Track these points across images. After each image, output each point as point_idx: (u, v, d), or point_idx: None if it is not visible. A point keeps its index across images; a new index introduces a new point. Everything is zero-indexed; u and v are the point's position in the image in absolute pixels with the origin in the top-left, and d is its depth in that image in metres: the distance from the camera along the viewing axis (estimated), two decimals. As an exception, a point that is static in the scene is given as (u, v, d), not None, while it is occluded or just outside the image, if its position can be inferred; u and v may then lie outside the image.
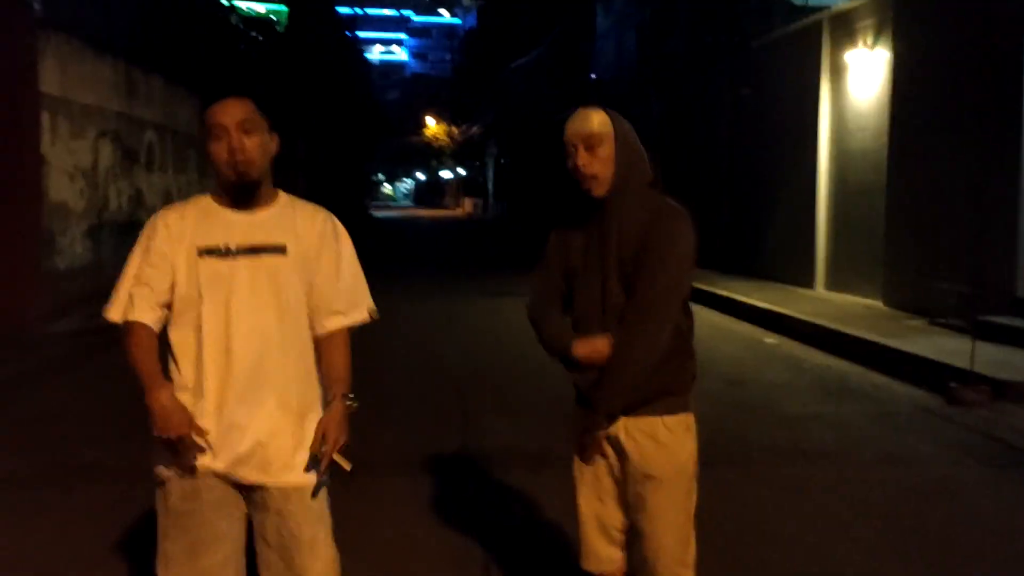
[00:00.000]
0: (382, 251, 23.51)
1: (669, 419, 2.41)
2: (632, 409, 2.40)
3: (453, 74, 60.92)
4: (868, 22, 10.78)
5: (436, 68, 78.71)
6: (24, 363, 7.63)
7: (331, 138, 34.56)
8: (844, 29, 11.33)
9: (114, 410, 6.10)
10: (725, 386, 6.74)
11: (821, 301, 10.75)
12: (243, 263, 2.27)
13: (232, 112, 2.24)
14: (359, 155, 44.30)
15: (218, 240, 2.27)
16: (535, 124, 33.63)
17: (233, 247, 2.27)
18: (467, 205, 55.37)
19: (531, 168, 35.53)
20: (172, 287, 2.28)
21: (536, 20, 35.48)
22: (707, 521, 2.68)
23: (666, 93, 18.57)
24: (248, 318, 2.26)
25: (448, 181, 66.49)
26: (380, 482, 4.45)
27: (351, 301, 2.38)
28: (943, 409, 6.08)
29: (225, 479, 2.28)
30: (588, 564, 2.57)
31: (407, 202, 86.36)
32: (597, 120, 2.42)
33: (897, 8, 10.13)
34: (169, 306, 2.29)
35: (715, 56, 15.72)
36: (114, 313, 2.29)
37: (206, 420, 2.25)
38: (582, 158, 2.40)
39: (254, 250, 2.28)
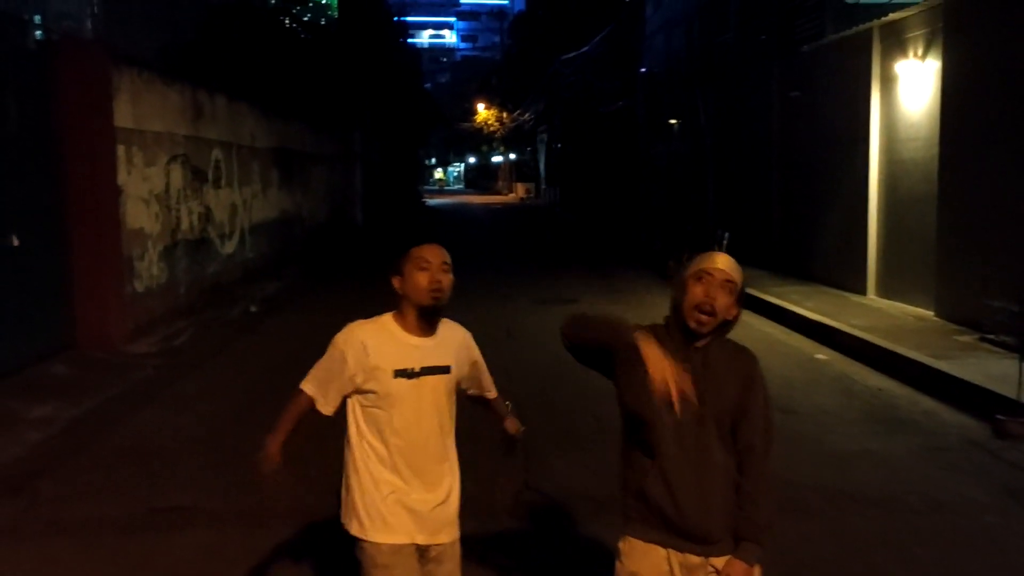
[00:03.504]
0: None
1: None
2: (726, 549, 2.60)
3: (503, 59, 61.04)
4: (918, 33, 10.81)
5: (486, 51, 78.92)
6: (110, 389, 8.10)
7: (385, 128, 34.99)
8: (894, 39, 11.36)
9: (199, 444, 6.52)
10: (777, 414, 6.92)
11: (872, 310, 10.87)
12: (424, 381, 2.96)
13: (438, 253, 2.94)
14: (412, 143, 44.75)
15: (407, 363, 2.93)
16: (586, 114, 33.69)
17: (417, 368, 2.93)
18: (519, 190, 55.67)
19: (583, 158, 35.63)
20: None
21: (584, 3, 35.47)
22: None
23: (714, 91, 18.60)
24: (428, 421, 3.00)
25: (499, 165, 66.73)
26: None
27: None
28: (990, 442, 6.26)
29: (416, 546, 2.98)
30: None
31: (458, 185, 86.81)
32: (737, 270, 2.61)
33: (947, 19, 10.15)
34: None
35: (765, 57, 15.76)
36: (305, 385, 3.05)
37: (402, 496, 2.95)
38: (715, 292, 2.55)
39: (432, 370, 2.96)
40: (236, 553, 4.62)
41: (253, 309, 12.50)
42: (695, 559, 2.60)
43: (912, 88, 11.02)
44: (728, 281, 2.58)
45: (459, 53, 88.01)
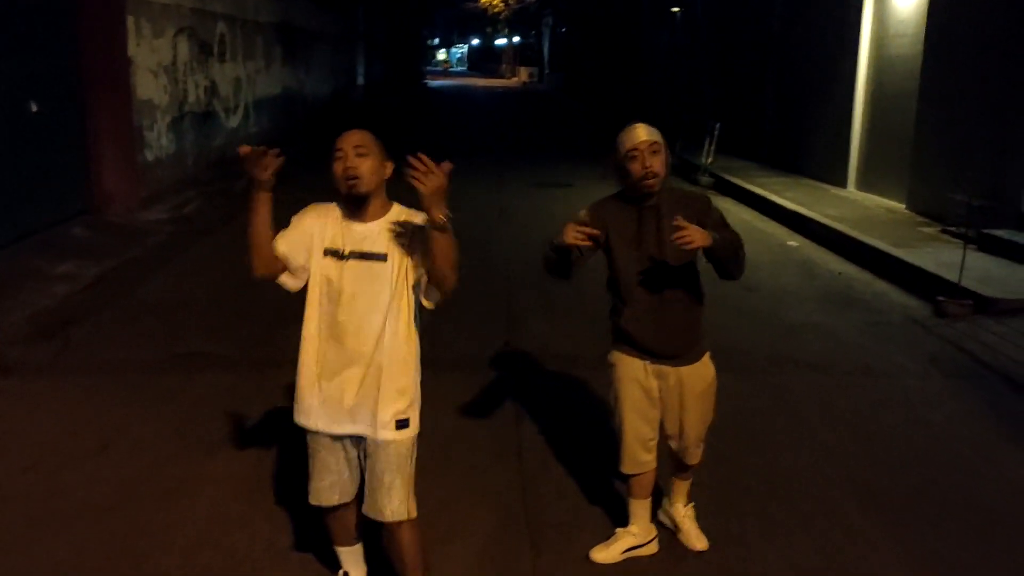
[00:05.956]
0: (438, 127, 24.16)
1: (705, 358, 3.41)
2: (688, 360, 3.35)
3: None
4: (914, -71, 10.99)
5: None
6: (127, 252, 8.66)
7: (388, 5, 34.53)
8: (891, -66, 11.52)
9: (214, 301, 7.16)
10: (741, 292, 7.57)
11: (849, 203, 11.41)
12: (352, 264, 2.87)
13: (351, 139, 2.87)
14: (416, 22, 44.15)
15: (338, 244, 2.89)
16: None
17: (347, 251, 2.87)
18: (523, 74, 55.12)
19: (587, 43, 35.36)
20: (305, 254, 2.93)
21: None
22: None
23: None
24: (353, 308, 2.87)
25: (503, 48, 65.81)
26: (440, 376, 5.44)
27: None
28: (929, 320, 6.91)
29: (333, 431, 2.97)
30: (629, 468, 3.43)
31: (461, 68, 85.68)
32: (654, 132, 3.13)
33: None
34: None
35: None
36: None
37: (317, 385, 2.94)
38: (650, 160, 3.07)
39: (363, 256, 2.86)
40: (250, 391, 5.29)
41: (257, 182, 12.97)
42: (666, 368, 3.35)
43: (903, -16, 11.27)
44: (654, 143, 3.09)
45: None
